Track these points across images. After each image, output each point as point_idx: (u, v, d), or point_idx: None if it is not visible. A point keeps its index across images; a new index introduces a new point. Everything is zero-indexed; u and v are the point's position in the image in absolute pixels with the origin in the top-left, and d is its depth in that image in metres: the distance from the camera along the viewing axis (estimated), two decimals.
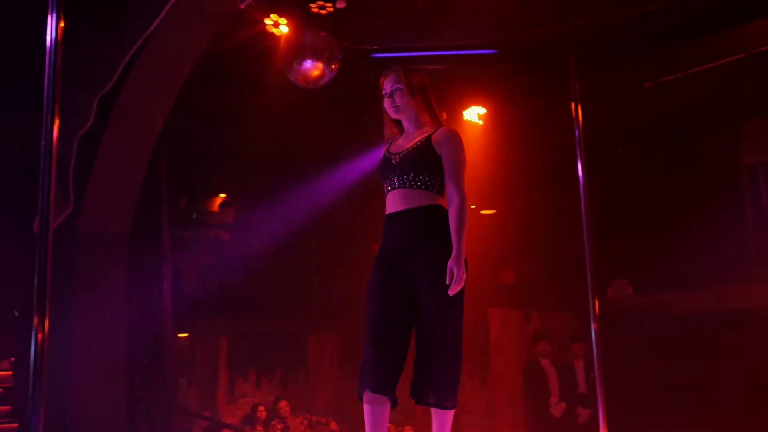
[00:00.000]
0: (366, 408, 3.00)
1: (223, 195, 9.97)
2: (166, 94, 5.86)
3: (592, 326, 4.85)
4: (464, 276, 3.00)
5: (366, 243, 9.82)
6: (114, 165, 6.00)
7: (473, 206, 9.63)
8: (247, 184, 9.24)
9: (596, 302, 4.88)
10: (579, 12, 5.08)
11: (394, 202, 3.22)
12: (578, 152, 5.14)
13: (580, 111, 5.06)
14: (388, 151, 3.35)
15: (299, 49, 6.12)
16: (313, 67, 6.31)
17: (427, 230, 3.13)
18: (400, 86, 3.26)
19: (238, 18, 5.32)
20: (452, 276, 2.98)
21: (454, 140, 3.21)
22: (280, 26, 4.84)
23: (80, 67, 6.11)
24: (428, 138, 3.18)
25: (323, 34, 6.19)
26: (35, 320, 2.77)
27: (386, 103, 3.31)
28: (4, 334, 8.48)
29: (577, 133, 5.11)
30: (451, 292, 2.99)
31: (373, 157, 8.50)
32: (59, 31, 2.89)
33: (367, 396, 2.99)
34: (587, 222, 5.11)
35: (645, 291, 8.75)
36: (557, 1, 5.76)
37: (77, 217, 6.16)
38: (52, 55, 2.88)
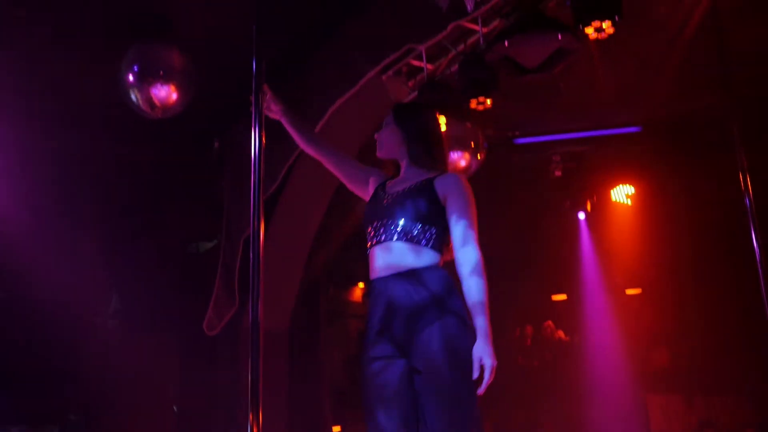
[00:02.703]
0: None
1: (362, 284, 10.16)
2: (325, 192, 6.11)
3: None
4: (496, 365, 2.32)
5: (516, 325, 9.69)
6: (275, 264, 6.25)
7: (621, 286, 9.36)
8: None
9: None
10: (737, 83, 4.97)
11: (377, 261, 2.56)
12: (751, 224, 4.91)
13: (749, 182, 4.87)
14: (382, 186, 2.77)
15: (446, 143, 6.28)
16: (459, 158, 6.44)
17: (426, 302, 2.44)
18: (389, 121, 2.80)
19: None
20: (481, 367, 2.32)
21: (465, 187, 2.59)
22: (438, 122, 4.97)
23: (243, 172, 6.52)
24: (429, 181, 2.61)
25: (468, 124, 6.33)
26: (250, 416, 2.91)
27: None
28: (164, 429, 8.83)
29: (748, 204, 4.91)
30: (482, 391, 2.33)
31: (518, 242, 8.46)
32: (262, 144, 3.09)
33: None
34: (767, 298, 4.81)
35: None
36: (708, 74, 5.65)
37: (241, 316, 6.44)
38: (257, 167, 3.08)
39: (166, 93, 5.26)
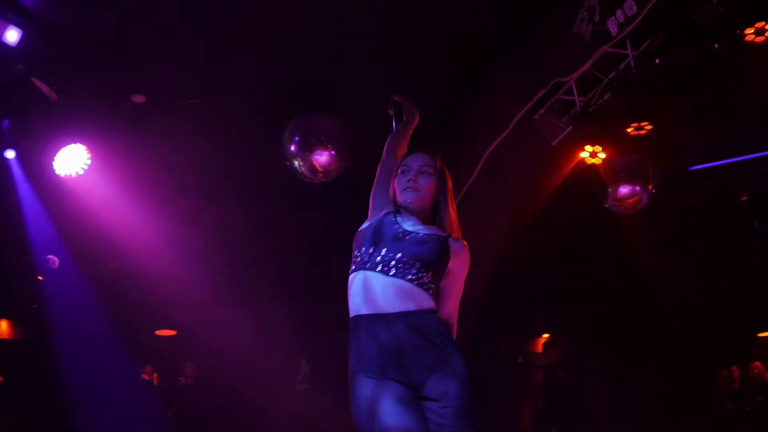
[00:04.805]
0: None
1: (546, 335, 9.81)
2: (493, 238, 6.06)
3: None
4: None
5: (718, 367, 8.91)
6: None
7: None
8: (573, 321, 9.02)
9: None
10: None
11: (380, 294, 2.47)
12: None
13: None
14: (394, 215, 2.64)
15: (613, 177, 6.03)
16: (629, 192, 6.15)
17: (438, 342, 2.45)
18: (431, 171, 2.63)
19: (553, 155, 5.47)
20: None
21: (469, 261, 2.61)
22: (597, 155, 4.81)
23: None
24: (447, 239, 2.55)
25: (636, 157, 6.05)
26: None
27: (401, 181, 2.63)
28: None
29: None
30: None
31: None
32: None
33: None
34: None
35: None
36: None
37: None
38: None
39: (327, 159, 5.53)
